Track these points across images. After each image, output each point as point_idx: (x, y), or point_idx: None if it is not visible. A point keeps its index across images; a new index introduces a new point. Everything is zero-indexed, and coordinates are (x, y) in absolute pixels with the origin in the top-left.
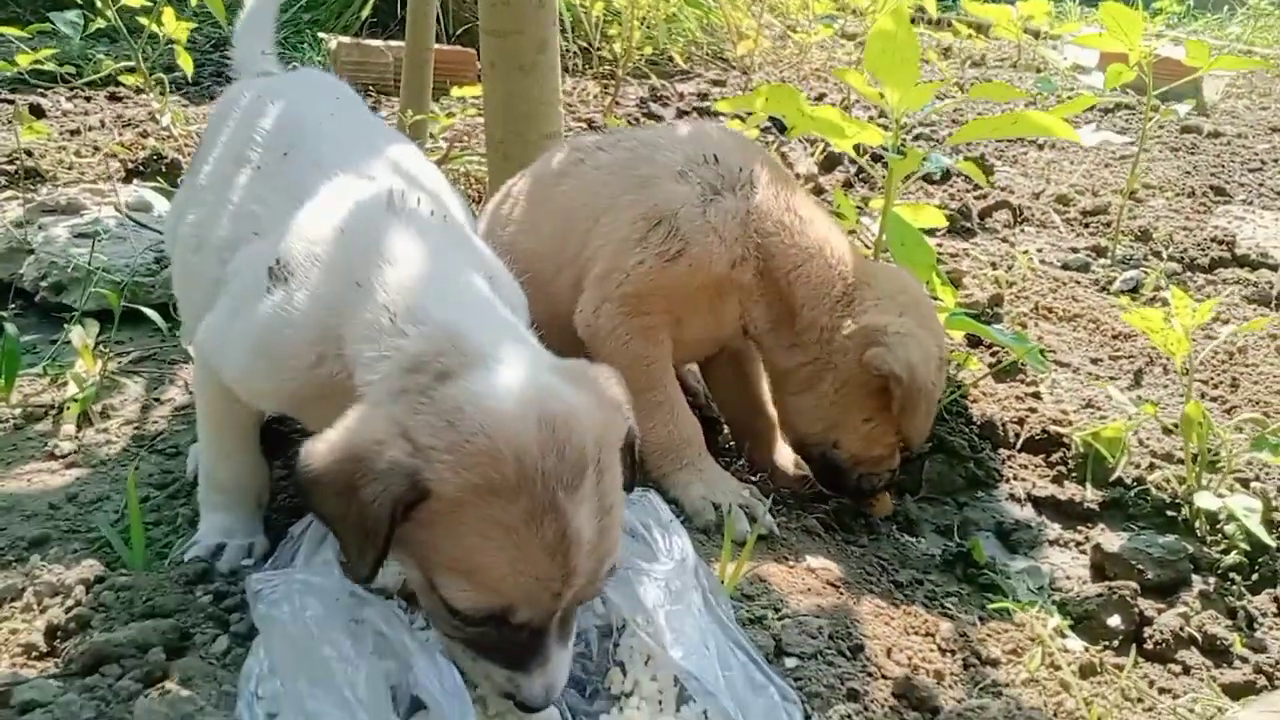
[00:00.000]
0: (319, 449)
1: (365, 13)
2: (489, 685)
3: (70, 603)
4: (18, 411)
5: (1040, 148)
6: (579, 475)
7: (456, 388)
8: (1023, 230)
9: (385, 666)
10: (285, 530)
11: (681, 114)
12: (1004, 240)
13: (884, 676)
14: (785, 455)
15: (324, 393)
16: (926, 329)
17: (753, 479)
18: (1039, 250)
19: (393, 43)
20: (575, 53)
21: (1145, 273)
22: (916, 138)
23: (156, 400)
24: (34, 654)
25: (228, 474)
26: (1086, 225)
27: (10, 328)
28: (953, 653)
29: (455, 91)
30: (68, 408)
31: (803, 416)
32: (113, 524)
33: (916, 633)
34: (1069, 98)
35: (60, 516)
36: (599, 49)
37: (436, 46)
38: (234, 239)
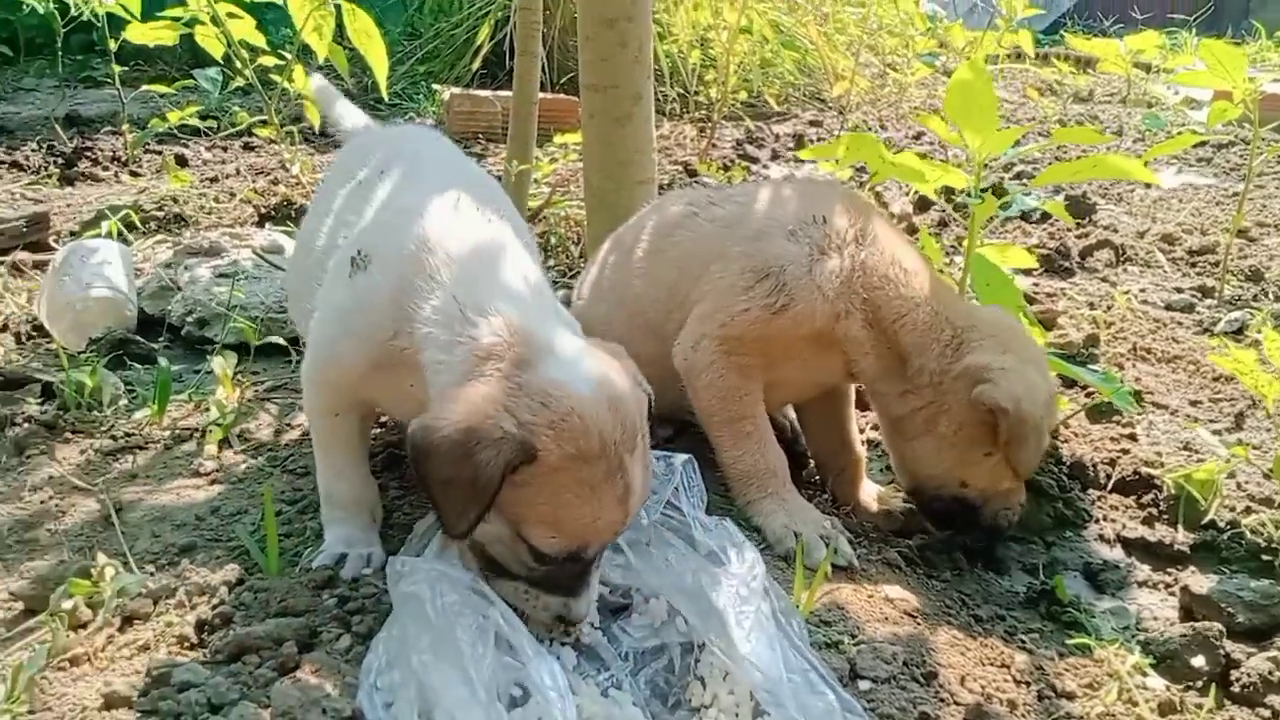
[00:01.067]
0: (434, 423)
1: (475, 65)
2: (544, 613)
3: (215, 601)
4: (167, 433)
5: (1146, 185)
6: (634, 440)
7: (540, 375)
8: (1125, 269)
9: (503, 660)
10: (398, 543)
11: (776, 156)
12: (1104, 280)
13: (956, 703)
14: (869, 491)
15: (394, 362)
16: (1031, 363)
17: (835, 512)
18: (1141, 290)
19: (501, 93)
20: (673, 98)
21: (1251, 314)
22: (1016, 176)
23: (287, 425)
24: (186, 644)
25: (343, 491)
26: (1193, 265)
27: (163, 360)
28: (1027, 684)
29: (558, 138)
30: (210, 431)
31: (925, 460)
32: (251, 534)
33: (992, 663)
34: (1178, 133)
35: (205, 527)
36: (696, 94)
37: (540, 95)
38: (330, 245)
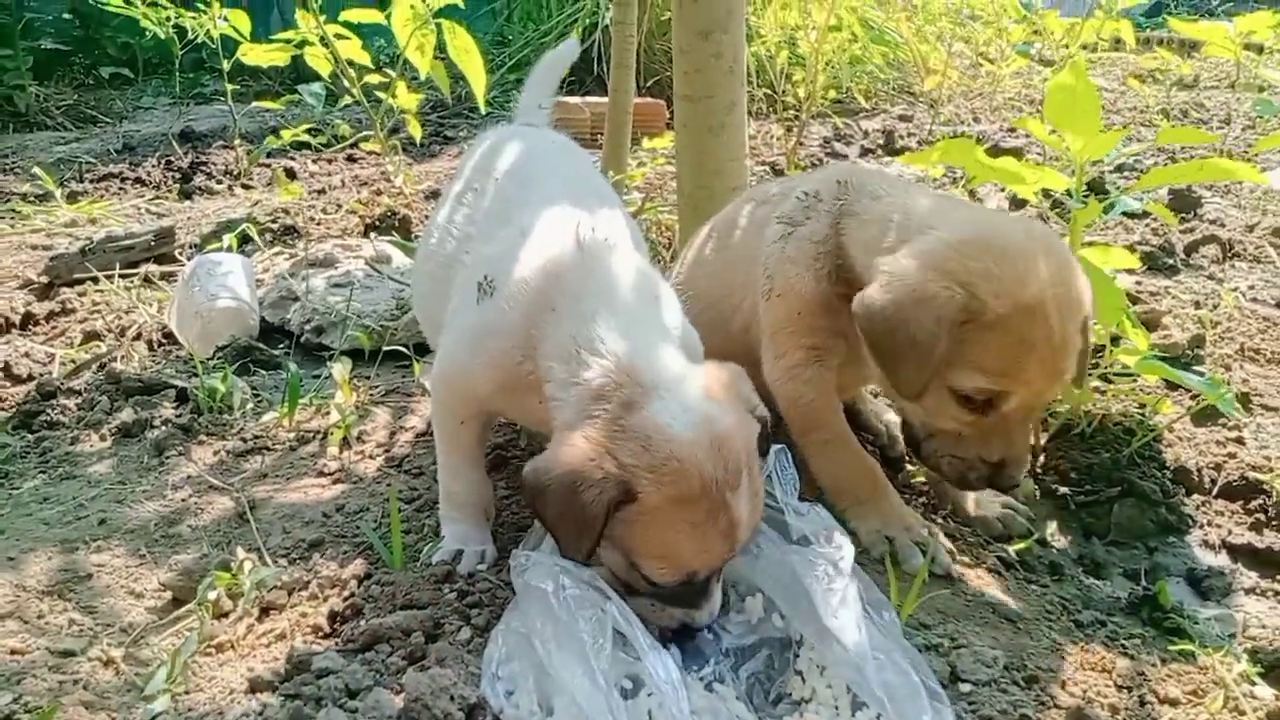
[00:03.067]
0: (544, 466)
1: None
2: (669, 621)
3: (346, 594)
4: (292, 435)
5: None
6: (738, 477)
7: (643, 419)
8: (1233, 266)
9: (616, 654)
10: (507, 539)
11: (865, 152)
12: (1211, 277)
13: (1057, 706)
14: (968, 496)
15: (521, 386)
16: (945, 273)
17: (934, 518)
18: (1250, 288)
19: (589, 99)
20: (760, 98)
21: None
22: (1118, 169)
23: (402, 428)
24: (320, 633)
25: (461, 491)
26: None
27: (292, 366)
28: (1129, 689)
29: (646, 143)
30: (331, 433)
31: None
32: (374, 530)
33: (1093, 668)
34: None
35: (331, 524)
36: (783, 93)
37: None
38: (454, 257)
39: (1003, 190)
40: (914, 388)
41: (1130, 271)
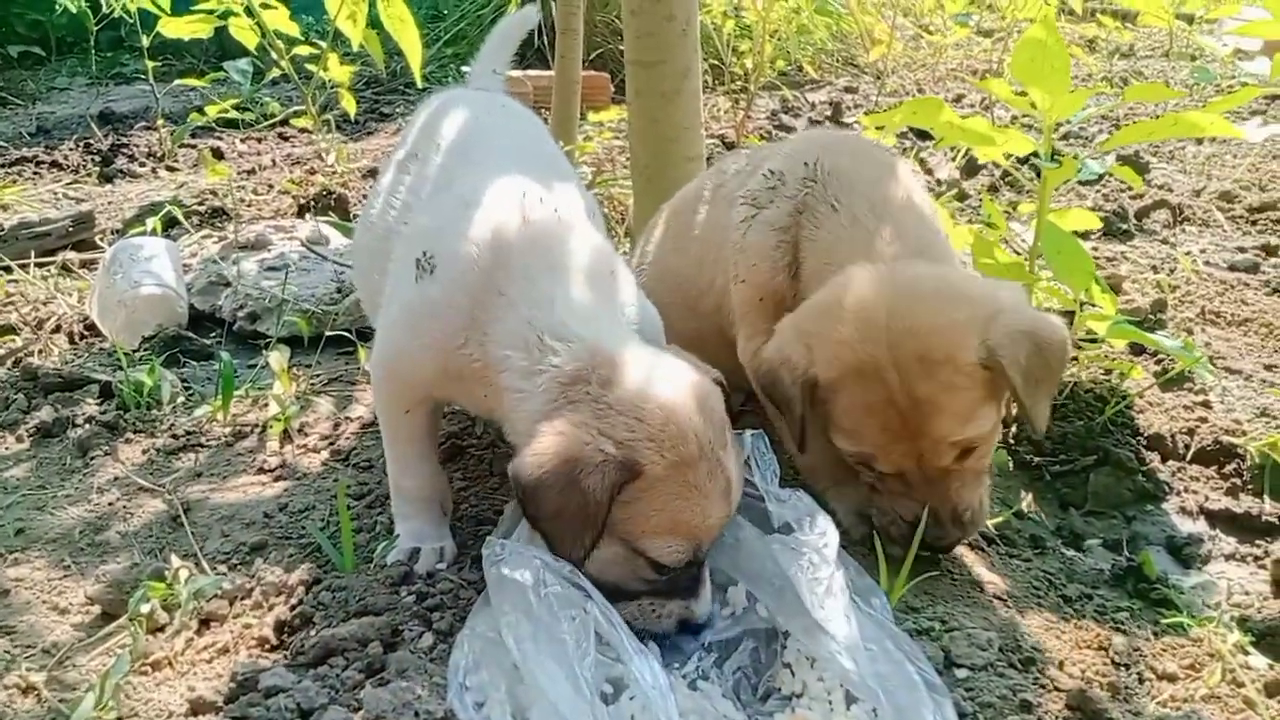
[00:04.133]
0: (532, 461)
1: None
2: (668, 620)
3: (294, 601)
4: (228, 430)
5: (1199, 142)
6: (723, 435)
7: (627, 392)
8: (1184, 230)
9: (597, 657)
10: (467, 534)
11: (814, 123)
12: (1164, 241)
13: (1057, 689)
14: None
15: (465, 373)
16: (800, 333)
17: None
18: (1202, 251)
19: (531, 72)
20: (707, 70)
21: None
22: (1064, 137)
23: (347, 418)
24: (266, 646)
25: (412, 485)
26: (1254, 223)
27: (225, 355)
28: (1126, 667)
29: (593, 116)
30: (271, 426)
31: None
32: (322, 530)
33: (1089, 646)
34: (1229, 88)
35: (274, 524)
36: (730, 65)
37: None
38: (391, 228)
39: (953, 160)
40: (795, 441)
41: (1086, 236)
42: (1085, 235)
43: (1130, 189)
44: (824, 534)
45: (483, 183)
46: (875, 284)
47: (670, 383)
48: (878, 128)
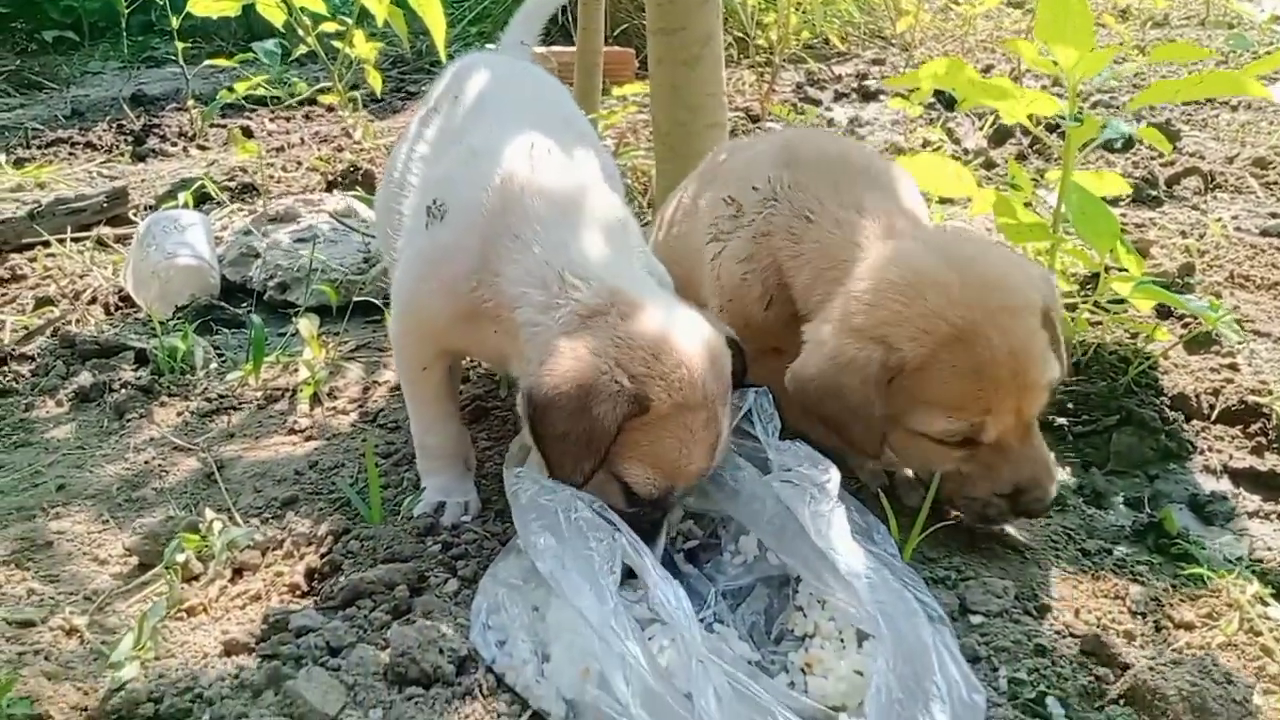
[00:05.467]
0: (548, 380)
1: (553, 12)
2: None
3: (323, 550)
4: (259, 394)
5: (1233, 109)
6: (725, 392)
7: (646, 328)
8: (1215, 197)
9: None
10: (491, 491)
11: (840, 96)
12: (1194, 208)
13: (1072, 634)
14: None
15: (476, 314)
16: (857, 331)
17: None
18: (1234, 217)
19: (555, 48)
20: (731, 43)
21: None
22: (1094, 105)
23: (375, 382)
24: (297, 592)
25: (435, 441)
26: None
27: (256, 318)
28: (1143, 615)
29: (616, 91)
30: (301, 390)
31: None
32: (351, 485)
33: (1105, 596)
34: (1266, 54)
35: (305, 481)
36: (755, 38)
37: None
38: (404, 180)
39: (980, 129)
40: (870, 448)
41: (1115, 202)
42: (1114, 202)
43: (1160, 157)
44: (825, 470)
45: (493, 134)
46: (920, 255)
47: (688, 330)
48: (903, 95)
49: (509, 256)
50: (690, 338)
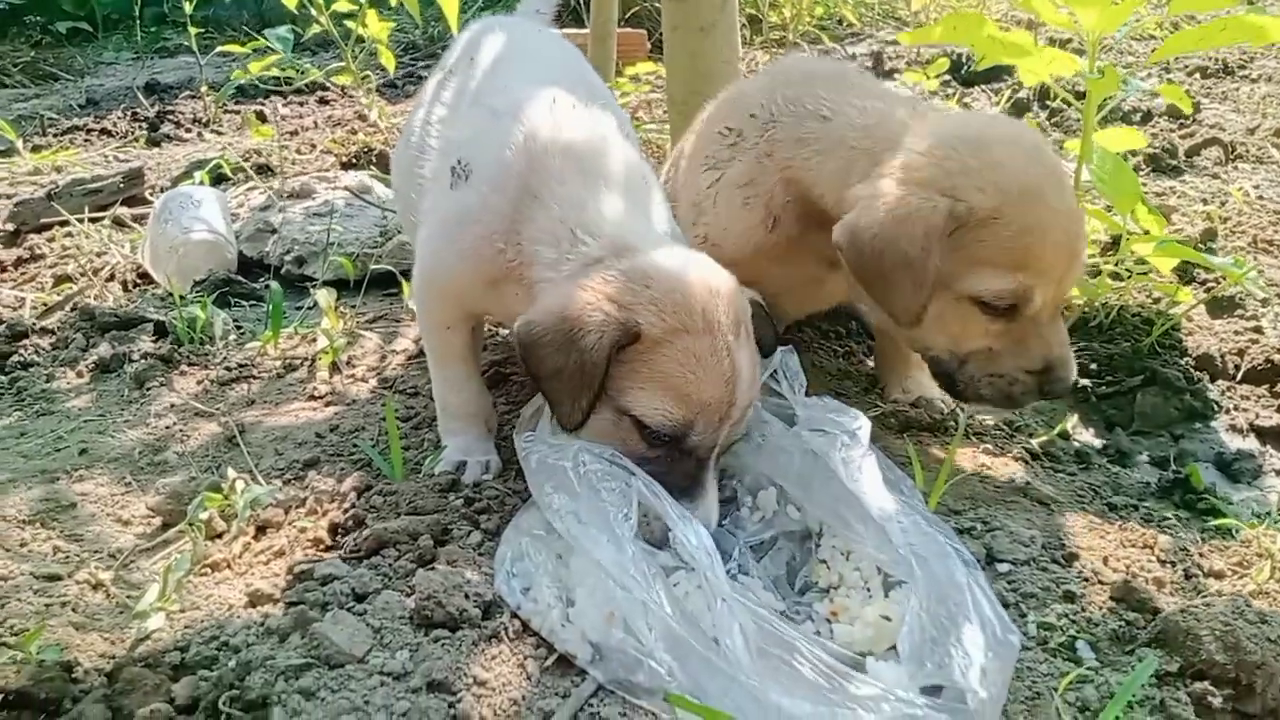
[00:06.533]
0: (537, 317)
1: None
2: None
3: (346, 505)
4: (278, 363)
5: (1253, 81)
6: (738, 327)
7: (640, 263)
8: (1236, 167)
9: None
10: (510, 454)
11: None
12: (1215, 177)
13: (1101, 582)
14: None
15: (501, 275)
16: (923, 183)
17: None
18: (1255, 186)
19: (569, 30)
20: (743, 23)
21: None
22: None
23: (393, 351)
24: (321, 546)
25: (457, 401)
26: None
27: (275, 284)
28: (1172, 564)
29: (629, 70)
30: (320, 358)
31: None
32: (372, 446)
33: (1133, 545)
34: None
35: (325, 443)
36: (767, 16)
37: None
38: (423, 142)
39: (997, 102)
40: (912, 312)
41: (1135, 170)
42: (1134, 170)
43: (1180, 128)
44: (856, 418)
45: (515, 94)
46: (979, 121)
47: (689, 264)
48: (919, 68)
49: (528, 215)
50: (691, 269)
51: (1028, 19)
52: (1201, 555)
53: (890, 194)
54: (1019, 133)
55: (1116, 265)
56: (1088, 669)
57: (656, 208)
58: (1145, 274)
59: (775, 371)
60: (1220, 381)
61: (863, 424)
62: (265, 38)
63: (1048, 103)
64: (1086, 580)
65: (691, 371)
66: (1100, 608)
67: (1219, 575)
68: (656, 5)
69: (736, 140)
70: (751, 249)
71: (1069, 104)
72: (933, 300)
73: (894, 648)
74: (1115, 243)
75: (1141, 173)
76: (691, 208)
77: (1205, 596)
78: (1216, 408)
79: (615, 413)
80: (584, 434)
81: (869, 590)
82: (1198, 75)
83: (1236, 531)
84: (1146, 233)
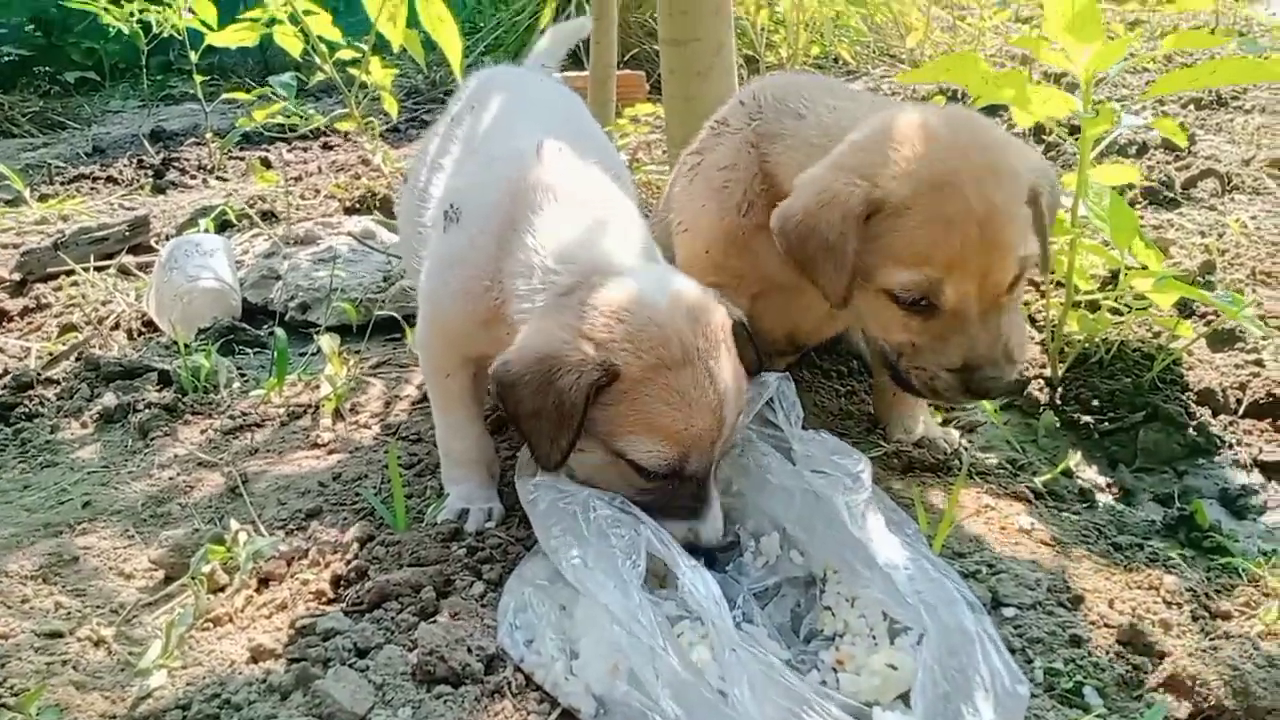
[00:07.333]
0: (513, 358)
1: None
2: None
3: (349, 556)
4: (282, 411)
5: (1247, 112)
6: (718, 349)
7: (612, 293)
8: (1233, 199)
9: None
10: (513, 499)
11: None
12: (1212, 209)
13: (1107, 625)
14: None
15: (492, 317)
16: (847, 170)
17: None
18: (1253, 218)
19: (568, 73)
20: (741, 63)
21: None
22: (1099, 105)
23: (397, 397)
24: (324, 599)
25: (460, 448)
26: None
27: (280, 331)
28: (1179, 606)
29: (629, 111)
30: (323, 405)
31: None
32: (375, 494)
33: (1139, 587)
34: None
35: (329, 492)
36: (764, 57)
37: None
38: (425, 189)
39: None
40: (837, 293)
41: (1132, 204)
42: (1131, 203)
43: (1176, 160)
44: (858, 461)
45: (509, 141)
46: (924, 114)
47: (661, 290)
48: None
49: (509, 252)
50: (664, 295)
51: (1023, 53)
52: (1208, 596)
53: (818, 179)
54: (958, 125)
55: (1116, 300)
56: (1096, 715)
57: (634, 237)
58: (1145, 309)
59: (771, 400)
60: (1222, 416)
61: (864, 466)
62: (270, 84)
63: (1044, 137)
64: (1093, 624)
65: (678, 409)
66: (1107, 652)
67: (1226, 616)
68: (656, 47)
69: (722, 129)
70: (724, 234)
71: (1062, 151)
72: (859, 290)
73: (901, 697)
74: (1114, 277)
75: (1139, 205)
76: (670, 199)
77: (1213, 639)
78: (1220, 442)
79: (608, 454)
80: (580, 474)
81: (874, 638)
82: (1192, 107)
83: (1244, 571)
84: (1145, 267)
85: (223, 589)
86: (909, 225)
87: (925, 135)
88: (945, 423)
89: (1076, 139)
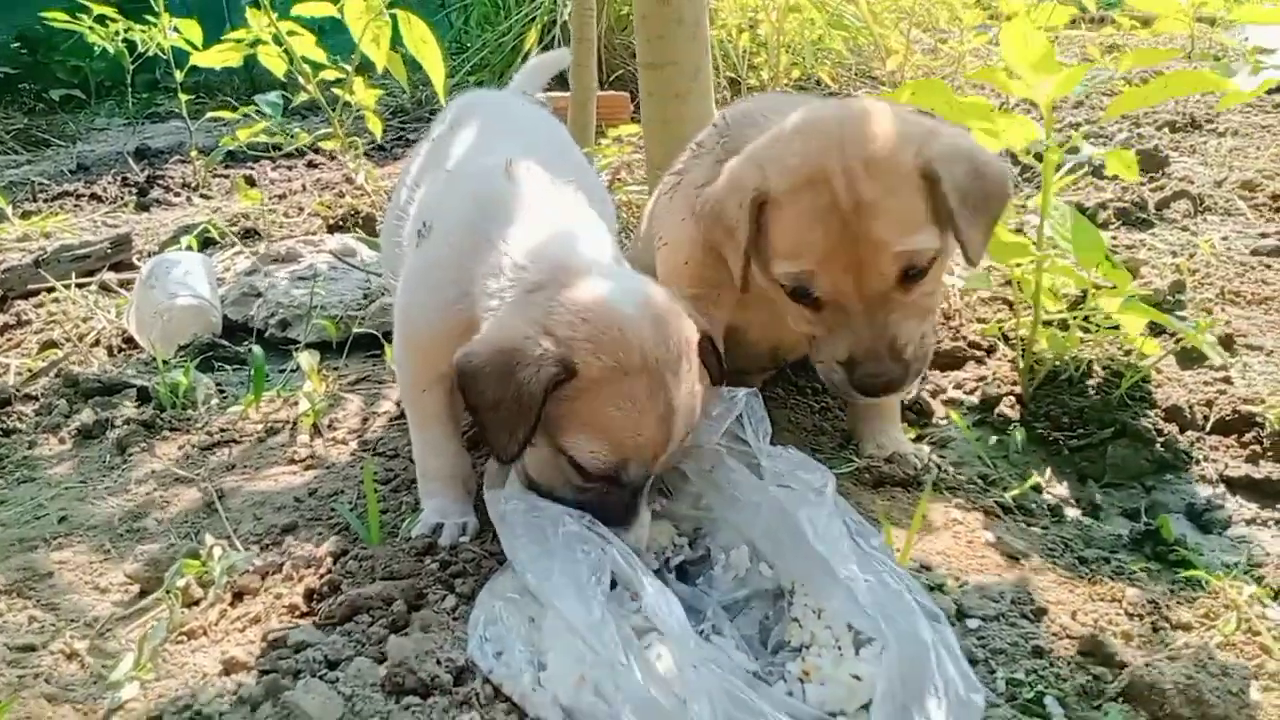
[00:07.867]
0: (476, 348)
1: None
2: None
3: (323, 570)
4: (260, 427)
5: (1220, 135)
6: (678, 361)
7: (579, 293)
8: (1205, 219)
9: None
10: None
11: None
12: (1184, 229)
13: (1069, 636)
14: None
15: (464, 331)
16: (751, 161)
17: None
18: (1224, 238)
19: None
20: (724, 85)
21: None
22: (1075, 125)
23: (374, 413)
24: (297, 613)
25: (436, 464)
26: (1278, 210)
27: (257, 348)
28: (1140, 617)
29: (611, 132)
30: (301, 421)
31: None
32: (350, 509)
33: (1102, 599)
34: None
35: (304, 508)
36: (746, 79)
37: None
38: (402, 209)
39: None
40: (736, 275)
41: (1105, 226)
42: (1104, 225)
43: (1150, 182)
44: (821, 474)
45: (479, 156)
46: (827, 109)
47: (629, 295)
48: None
49: (480, 258)
50: (631, 301)
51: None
52: (1169, 608)
53: (732, 168)
54: (846, 119)
55: (1085, 320)
56: None
57: (605, 245)
58: (1114, 328)
59: (741, 415)
60: (1190, 432)
61: (828, 480)
62: (256, 103)
63: (1017, 160)
64: (1055, 635)
65: (626, 415)
66: (1068, 663)
67: (1186, 628)
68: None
69: (699, 150)
70: (701, 246)
71: (1036, 172)
72: (763, 279)
73: (864, 707)
74: (1083, 297)
75: (1112, 226)
76: (651, 218)
77: (1171, 649)
78: (1187, 458)
79: (553, 449)
80: (530, 468)
81: (840, 649)
82: (1166, 129)
83: (1205, 583)
84: (1114, 287)
85: (197, 603)
86: (786, 218)
87: (815, 130)
88: (918, 439)
89: (1041, 164)
